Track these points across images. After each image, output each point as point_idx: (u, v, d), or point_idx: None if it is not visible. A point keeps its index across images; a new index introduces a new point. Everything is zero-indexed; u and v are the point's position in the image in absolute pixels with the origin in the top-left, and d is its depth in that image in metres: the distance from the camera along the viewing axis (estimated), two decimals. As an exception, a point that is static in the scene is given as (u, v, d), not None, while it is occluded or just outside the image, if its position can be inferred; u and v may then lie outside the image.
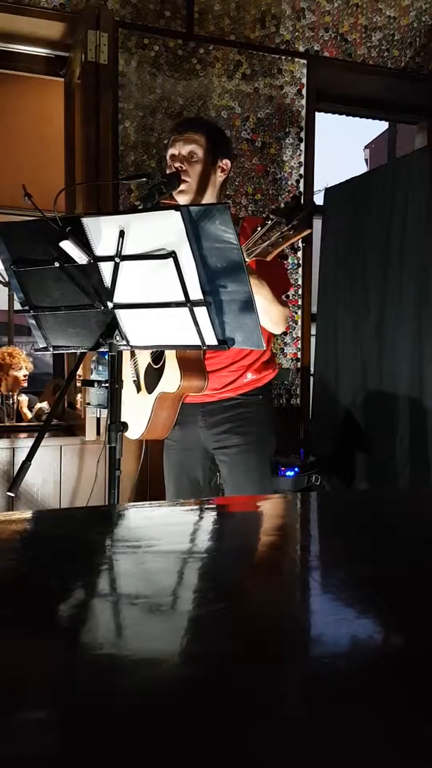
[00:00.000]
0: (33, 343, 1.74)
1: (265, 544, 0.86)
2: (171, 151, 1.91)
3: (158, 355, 1.92)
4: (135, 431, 1.96)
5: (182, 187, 1.86)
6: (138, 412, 1.95)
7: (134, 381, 2.03)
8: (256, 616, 0.60)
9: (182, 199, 1.87)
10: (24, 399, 3.55)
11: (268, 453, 2.03)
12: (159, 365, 1.90)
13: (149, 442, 2.03)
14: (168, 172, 1.89)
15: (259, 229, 1.56)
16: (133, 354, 2.05)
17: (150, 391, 1.93)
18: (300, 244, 3.24)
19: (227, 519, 1.01)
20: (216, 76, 3.17)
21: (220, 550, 0.80)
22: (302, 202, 1.56)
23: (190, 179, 1.87)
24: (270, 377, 2.02)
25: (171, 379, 1.84)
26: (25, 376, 3.75)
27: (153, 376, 1.94)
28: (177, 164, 1.88)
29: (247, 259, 1.60)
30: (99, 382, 1.59)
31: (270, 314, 1.77)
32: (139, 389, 2.00)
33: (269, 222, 1.54)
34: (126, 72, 3.02)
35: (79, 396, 2.98)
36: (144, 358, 2.00)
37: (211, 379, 1.87)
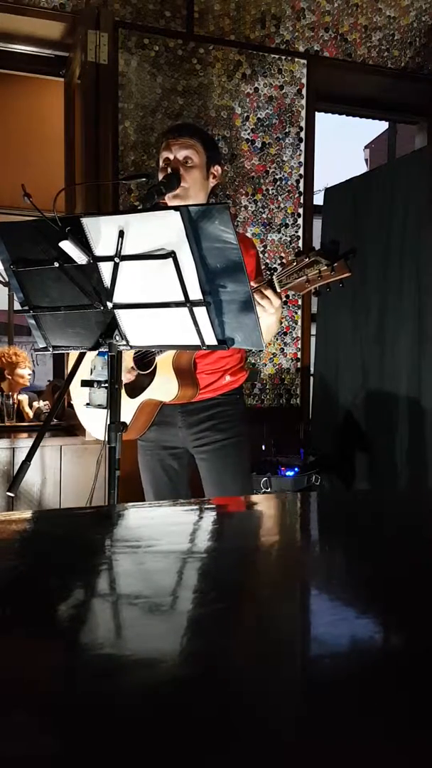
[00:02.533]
0: (33, 343, 1.74)
1: (264, 544, 0.86)
2: (165, 154, 1.91)
3: (146, 362, 1.93)
4: (101, 426, 1.96)
5: (178, 191, 1.86)
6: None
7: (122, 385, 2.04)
8: (256, 616, 0.60)
9: (176, 203, 1.87)
10: (24, 398, 3.55)
11: (247, 450, 2.07)
12: (148, 371, 1.91)
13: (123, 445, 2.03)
14: (161, 175, 1.89)
15: (295, 263, 1.60)
16: None
17: (132, 396, 1.94)
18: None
19: (227, 519, 1.01)
20: (216, 76, 3.17)
21: (219, 550, 0.80)
22: (339, 247, 1.62)
23: (187, 184, 1.88)
24: (243, 380, 2.11)
25: (165, 389, 1.86)
26: (29, 375, 3.75)
27: (138, 379, 1.94)
28: (173, 167, 1.88)
29: (278, 289, 1.65)
30: (99, 382, 1.59)
31: (270, 331, 1.86)
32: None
33: (307, 259, 1.57)
34: (126, 72, 3.02)
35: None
36: (125, 362, 2.00)
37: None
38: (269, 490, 2.78)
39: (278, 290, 1.68)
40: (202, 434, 2.00)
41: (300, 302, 3.35)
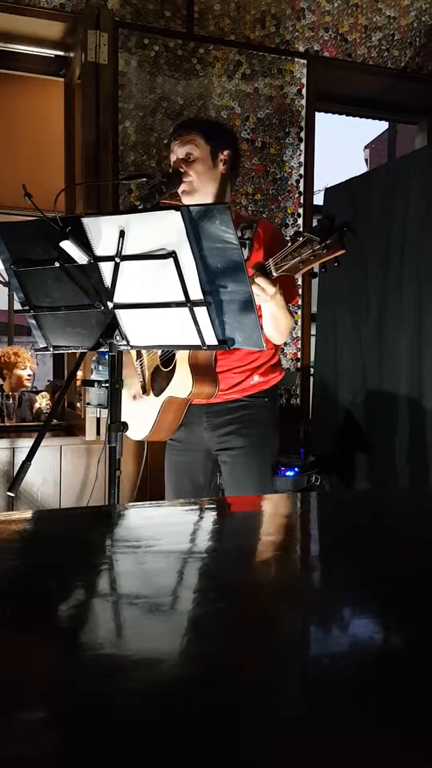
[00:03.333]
0: (33, 343, 1.74)
1: (265, 543, 0.86)
2: (172, 156, 1.93)
3: (168, 358, 1.91)
4: (140, 432, 1.96)
5: (184, 187, 1.86)
6: (143, 413, 1.95)
7: (140, 382, 2.03)
8: (256, 616, 0.60)
9: (188, 200, 1.87)
10: (37, 397, 3.55)
11: (270, 455, 2.04)
12: (169, 368, 1.90)
13: (150, 443, 2.03)
14: (172, 169, 1.90)
15: (289, 244, 1.56)
16: (139, 354, 2.04)
17: (157, 394, 1.92)
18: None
19: (227, 519, 1.01)
20: (216, 76, 3.17)
21: (220, 550, 0.80)
22: (335, 223, 1.57)
23: (191, 179, 1.87)
24: (276, 380, 2.03)
25: (182, 385, 1.84)
26: (29, 375, 3.75)
27: (161, 378, 1.93)
28: (176, 166, 1.88)
29: (274, 274, 1.61)
30: (99, 381, 1.59)
31: (278, 323, 1.78)
32: (145, 391, 2.00)
33: (300, 239, 1.54)
34: (126, 72, 3.02)
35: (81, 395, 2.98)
36: (152, 360, 2.00)
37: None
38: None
39: (274, 275, 1.63)
40: (225, 437, 1.97)
41: (300, 302, 3.35)
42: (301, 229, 1.65)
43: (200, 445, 2.01)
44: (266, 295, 1.66)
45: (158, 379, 1.95)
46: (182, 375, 1.83)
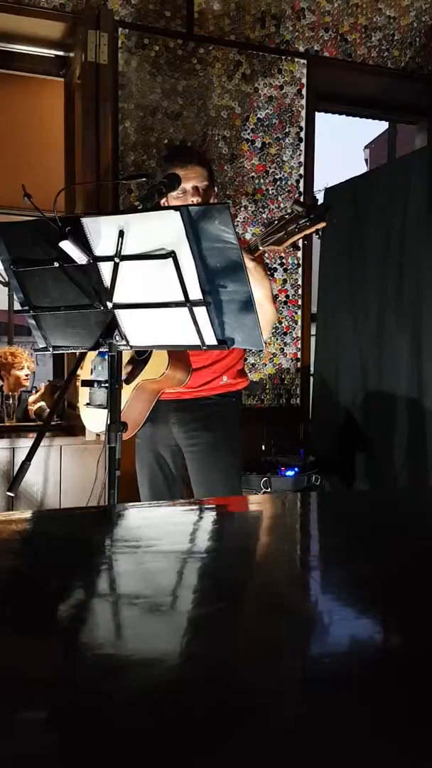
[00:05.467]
0: (33, 343, 1.74)
1: (264, 544, 0.86)
2: (182, 184, 1.93)
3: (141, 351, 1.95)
4: (102, 424, 1.96)
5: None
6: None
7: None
8: (256, 616, 0.60)
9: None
10: (31, 398, 3.55)
11: (238, 452, 2.07)
12: (144, 356, 1.93)
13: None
14: (177, 201, 1.91)
15: (276, 221, 1.62)
16: None
17: (128, 381, 1.94)
18: (302, 243, 3.25)
19: (227, 519, 1.01)
20: (216, 76, 3.17)
21: (219, 550, 0.80)
22: (318, 201, 1.68)
23: (197, 200, 1.94)
24: (243, 385, 2.10)
25: (156, 366, 1.87)
26: (27, 375, 3.74)
27: (134, 367, 1.95)
28: (196, 199, 1.94)
29: (261, 247, 1.67)
30: (99, 382, 1.59)
31: (264, 311, 1.78)
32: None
33: (290, 213, 1.63)
34: (126, 72, 3.02)
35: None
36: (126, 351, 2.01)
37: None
38: (269, 490, 2.78)
39: (260, 248, 1.70)
40: (192, 432, 2.02)
41: (300, 302, 3.35)
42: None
43: (169, 441, 2.05)
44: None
45: (131, 368, 1.96)
46: (158, 357, 1.88)
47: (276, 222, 1.67)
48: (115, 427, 1.55)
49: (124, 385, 1.95)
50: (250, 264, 1.70)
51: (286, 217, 1.64)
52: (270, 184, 3.28)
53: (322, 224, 1.63)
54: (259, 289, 1.74)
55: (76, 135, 3.01)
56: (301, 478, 2.87)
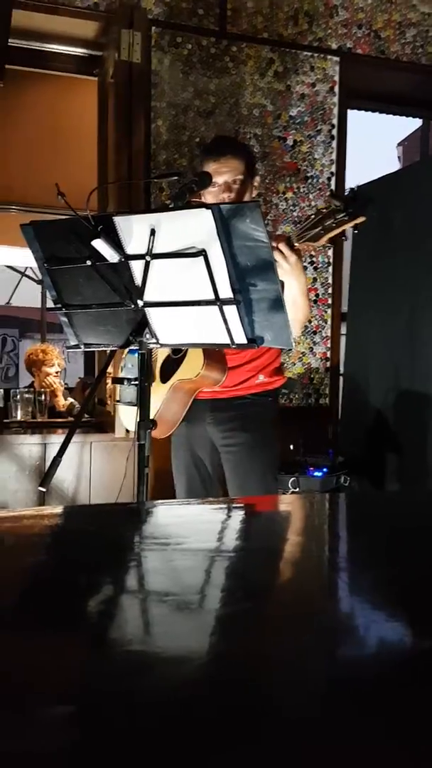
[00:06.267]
0: (65, 341, 1.76)
1: (293, 544, 0.85)
2: (215, 179, 1.91)
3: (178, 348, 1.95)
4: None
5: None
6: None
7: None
8: (283, 616, 0.60)
9: None
10: (62, 398, 3.59)
11: (274, 453, 2.05)
12: (179, 356, 1.93)
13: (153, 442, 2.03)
14: (209, 197, 1.90)
15: (312, 216, 1.60)
16: None
17: (164, 380, 1.94)
18: (338, 239, 3.22)
19: (255, 518, 1.01)
20: (248, 74, 3.16)
21: (247, 550, 0.80)
22: (356, 193, 1.63)
23: (233, 198, 1.92)
24: (279, 383, 2.07)
25: (192, 366, 1.87)
26: (57, 373, 3.78)
27: (170, 366, 1.95)
28: (225, 195, 1.91)
29: (296, 244, 1.65)
30: (129, 379, 1.61)
31: (298, 306, 1.79)
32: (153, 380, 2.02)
33: (325, 209, 1.60)
34: (159, 70, 3.02)
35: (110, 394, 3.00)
36: (162, 350, 2.02)
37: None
38: (297, 490, 2.76)
39: (296, 244, 1.68)
40: (228, 433, 2.00)
41: (330, 301, 3.33)
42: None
43: (205, 440, 2.04)
44: (286, 263, 1.70)
45: (167, 367, 1.96)
46: (193, 357, 1.88)
47: (312, 217, 1.63)
48: (145, 425, 1.56)
49: (160, 383, 1.96)
50: (292, 258, 1.69)
51: (323, 211, 1.60)
52: (301, 182, 3.26)
53: (362, 219, 1.58)
54: (296, 285, 1.74)
55: (108, 134, 3.03)
56: (329, 479, 2.85)
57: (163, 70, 3.03)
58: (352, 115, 3.43)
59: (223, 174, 1.92)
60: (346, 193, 1.63)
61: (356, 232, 1.63)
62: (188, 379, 1.88)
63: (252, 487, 1.98)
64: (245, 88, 3.15)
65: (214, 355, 1.88)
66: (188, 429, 2.02)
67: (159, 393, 1.93)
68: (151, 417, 1.92)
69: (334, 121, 3.31)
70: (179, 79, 3.05)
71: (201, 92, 3.09)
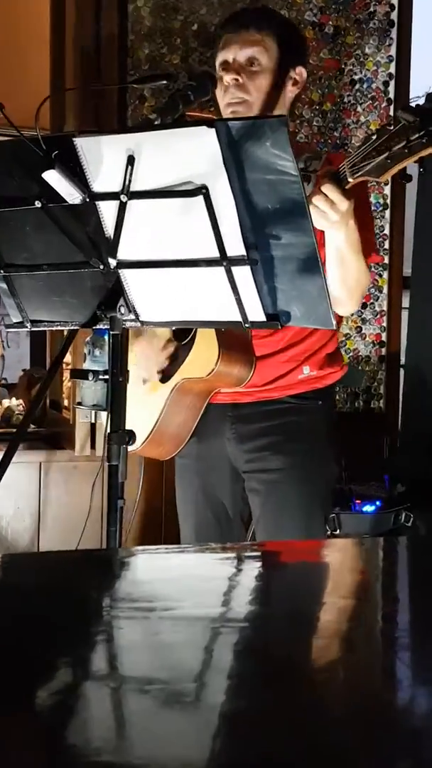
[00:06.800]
0: (3, 317, 1.77)
1: (330, 609, 0.86)
2: (222, 56, 1.92)
3: (184, 329, 1.92)
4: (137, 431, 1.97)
5: (238, 107, 1.87)
6: (141, 409, 1.95)
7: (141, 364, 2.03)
8: (318, 712, 0.60)
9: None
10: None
11: (325, 484, 2.02)
12: (185, 341, 1.90)
13: (146, 462, 2.03)
14: (226, 83, 1.89)
15: (374, 137, 1.57)
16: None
17: (164, 380, 1.93)
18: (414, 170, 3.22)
19: (277, 572, 1.01)
20: None
21: (266, 617, 0.81)
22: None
23: (249, 96, 1.89)
24: (335, 377, 2.03)
25: (203, 359, 1.84)
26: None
27: (173, 357, 1.93)
28: (231, 76, 1.88)
29: (350, 179, 1.60)
30: (95, 372, 1.61)
31: (346, 271, 1.74)
32: (145, 380, 2.00)
33: (391, 128, 1.54)
34: None
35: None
36: (161, 330, 1.99)
37: None
38: (338, 532, 2.77)
39: (350, 181, 1.60)
40: (257, 454, 1.97)
41: (387, 260, 3.33)
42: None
43: (223, 462, 2.02)
44: (334, 213, 1.61)
45: (167, 359, 1.95)
46: (204, 345, 1.84)
47: (374, 138, 1.58)
48: (118, 438, 1.57)
49: (158, 383, 1.95)
50: (344, 205, 1.60)
51: (390, 129, 1.55)
52: (346, 89, 3.26)
53: None
54: (344, 237, 1.68)
55: (66, 21, 3.03)
56: (384, 516, 2.86)
57: None
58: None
59: (232, 50, 1.90)
60: (420, 103, 1.60)
61: (422, 171, 1.62)
62: (198, 378, 1.87)
63: (290, 534, 1.96)
64: None
65: (234, 340, 1.85)
66: (199, 447, 2.00)
67: (157, 397, 1.93)
68: (148, 431, 1.93)
69: (394, 0, 3.30)
70: None
71: None
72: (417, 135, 1.53)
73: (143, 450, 1.95)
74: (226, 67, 1.90)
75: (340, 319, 1.97)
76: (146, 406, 1.94)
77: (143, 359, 1.97)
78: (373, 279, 3.31)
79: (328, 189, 1.60)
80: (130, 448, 1.94)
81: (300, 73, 1.97)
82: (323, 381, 2.00)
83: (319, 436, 1.99)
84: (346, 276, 1.77)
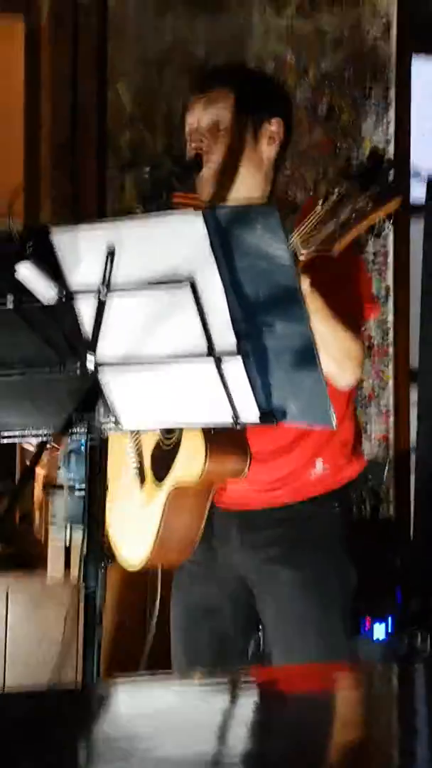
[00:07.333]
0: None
1: (340, 746, 0.85)
2: (189, 120, 1.97)
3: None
4: (136, 551, 1.95)
5: (203, 171, 1.90)
6: (140, 519, 1.94)
7: (136, 469, 2.03)
8: None
9: (204, 190, 1.92)
10: None
11: (342, 596, 1.99)
12: (170, 443, 1.91)
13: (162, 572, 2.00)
14: (189, 152, 1.94)
15: (320, 205, 1.58)
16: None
17: (160, 480, 1.92)
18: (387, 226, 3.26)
19: (276, 704, 1.00)
20: (257, 11, 3.24)
21: (264, 758, 0.79)
22: (385, 159, 1.61)
23: (213, 164, 1.91)
24: (355, 472, 2.03)
25: (190, 460, 1.84)
26: None
27: (164, 459, 1.93)
28: (194, 143, 1.93)
29: (302, 252, 1.61)
30: (71, 488, 1.60)
31: (330, 348, 1.72)
32: (143, 480, 2.00)
33: (335, 196, 1.56)
34: (118, 11, 3.11)
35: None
36: (152, 435, 2.00)
37: (254, 467, 1.86)
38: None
39: (302, 254, 1.60)
40: (266, 566, 1.96)
41: (391, 351, 3.34)
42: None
43: (229, 572, 2.00)
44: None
45: (161, 459, 1.95)
46: (190, 445, 1.84)
47: (319, 205, 1.59)
48: (96, 559, 1.55)
49: (154, 484, 1.95)
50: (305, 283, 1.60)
51: (333, 196, 1.57)
52: (341, 169, 3.31)
53: (396, 201, 1.59)
54: (315, 311, 1.66)
55: (41, 104, 3.10)
56: (397, 639, 2.81)
57: (126, 10, 3.11)
58: (420, 67, 3.50)
59: (195, 112, 1.94)
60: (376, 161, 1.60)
61: (389, 223, 1.60)
62: (190, 482, 1.86)
63: (304, 651, 1.92)
64: (253, 30, 3.24)
65: (220, 437, 1.82)
66: (204, 552, 1.97)
67: (154, 503, 1.93)
68: (148, 544, 1.90)
69: (391, 76, 3.39)
70: (150, 21, 3.13)
71: (185, 40, 3.17)
72: (363, 198, 1.56)
73: (151, 559, 1.92)
74: (192, 134, 1.94)
75: (349, 397, 1.94)
76: (146, 511, 1.94)
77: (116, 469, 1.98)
78: (377, 372, 3.32)
79: None
80: (137, 558, 1.93)
81: (274, 125, 1.96)
82: (340, 479, 1.98)
83: (334, 544, 1.98)
84: (327, 347, 1.66)
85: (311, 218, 1.61)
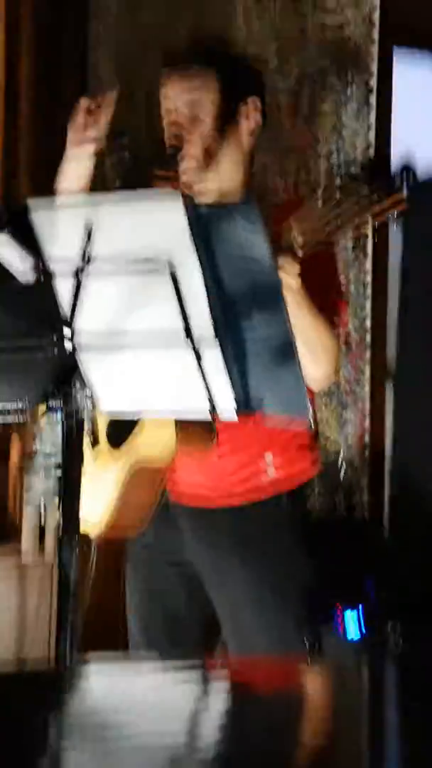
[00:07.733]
0: None
1: (312, 735, 0.85)
2: (164, 102, 1.93)
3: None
4: (89, 516, 1.92)
5: (183, 175, 1.88)
6: (95, 481, 1.93)
7: (87, 432, 1.99)
8: None
9: (183, 179, 1.91)
10: None
11: (295, 591, 2.00)
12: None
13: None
14: (167, 140, 1.92)
15: (318, 201, 1.58)
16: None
17: (117, 444, 1.93)
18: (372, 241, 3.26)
19: (247, 692, 1.00)
20: (237, 2, 3.24)
21: (237, 742, 0.79)
22: (390, 161, 1.63)
23: (192, 148, 1.88)
24: (309, 475, 2.05)
25: (158, 438, 1.85)
26: None
27: (121, 422, 1.90)
28: (173, 131, 1.90)
29: (300, 251, 1.62)
30: (46, 465, 1.59)
31: (309, 342, 1.73)
32: (95, 443, 1.97)
33: (339, 188, 1.58)
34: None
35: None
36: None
37: (209, 464, 1.89)
38: (315, 647, 2.73)
39: (299, 246, 1.62)
40: (217, 565, 1.97)
41: (368, 354, 3.35)
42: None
43: (179, 555, 2.00)
44: (294, 283, 1.65)
45: (115, 422, 1.93)
46: (157, 422, 1.83)
47: (321, 203, 1.62)
48: (71, 534, 1.54)
49: (110, 450, 1.94)
50: (290, 268, 1.64)
51: (336, 197, 1.59)
52: (322, 165, 3.31)
53: (400, 200, 1.60)
54: (303, 312, 1.68)
55: (20, 73, 3.08)
56: (367, 628, 2.83)
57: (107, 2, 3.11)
58: (402, 62, 3.48)
59: (170, 96, 1.90)
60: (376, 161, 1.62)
61: (394, 222, 1.61)
62: (154, 455, 1.84)
63: (257, 644, 1.94)
64: (233, 21, 3.23)
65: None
66: (156, 532, 1.97)
67: (111, 468, 1.93)
68: (102, 511, 1.89)
69: (374, 69, 3.39)
70: (124, 11, 3.09)
71: (158, 33, 3.13)
72: (367, 193, 1.57)
73: (109, 526, 1.91)
74: (169, 116, 1.91)
75: (312, 397, 1.95)
76: (101, 476, 1.93)
77: None
78: (353, 366, 3.33)
79: (287, 262, 1.63)
80: (92, 523, 1.93)
81: (253, 104, 1.93)
82: (294, 479, 1.99)
83: (287, 539, 1.98)
84: (307, 339, 1.69)
85: (307, 214, 1.62)
